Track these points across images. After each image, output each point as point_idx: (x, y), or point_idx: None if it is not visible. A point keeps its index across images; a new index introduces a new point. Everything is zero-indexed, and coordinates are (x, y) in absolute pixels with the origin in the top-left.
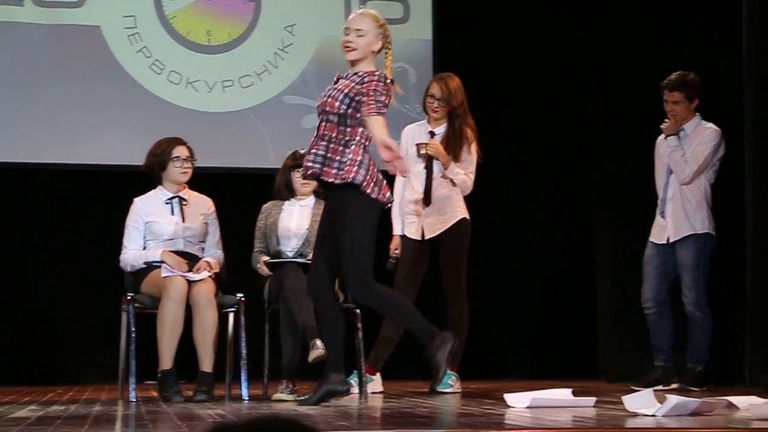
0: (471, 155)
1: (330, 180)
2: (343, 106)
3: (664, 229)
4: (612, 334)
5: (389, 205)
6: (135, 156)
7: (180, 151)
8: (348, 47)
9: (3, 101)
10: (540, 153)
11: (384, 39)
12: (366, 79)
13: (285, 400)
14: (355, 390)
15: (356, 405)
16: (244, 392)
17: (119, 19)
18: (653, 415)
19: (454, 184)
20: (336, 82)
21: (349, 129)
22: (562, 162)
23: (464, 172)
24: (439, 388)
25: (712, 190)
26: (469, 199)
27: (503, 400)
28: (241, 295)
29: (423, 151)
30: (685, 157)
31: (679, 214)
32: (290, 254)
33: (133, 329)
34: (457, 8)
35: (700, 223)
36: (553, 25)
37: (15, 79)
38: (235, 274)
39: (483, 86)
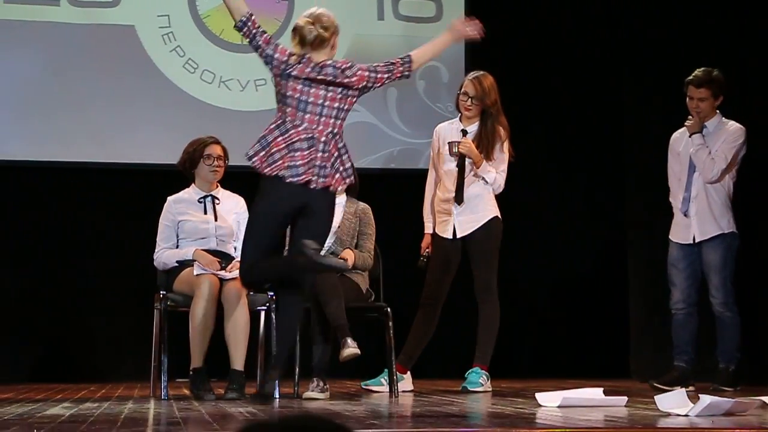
0: (503, 154)
1: None
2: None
3: (689, 229)
4: (643, 334)
5: (287, 179)
6: (168, 154)
7: (212, 150)
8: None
9: (38, 100)
10: (573, 152)
11: (334, 37)
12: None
13: (316, 399)
14: (386, 388)
15: (387, 404)
16: (275, 390)
17: (153, 19)
18: (686, 415)
19: (486, 182)
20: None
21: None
22: (595, 162)
23: (496, 171)
24: (471, 387)
25: (734, 188)
26: (501, 199)
27: (534, 399)
28: (273, 293)
29: (455, 150)
30: (711, 156)
31: (705, 213)
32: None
33: (165, 327)
34: (490, 7)
35: (726, 222)
36: (586, 24)
37: (50, 78)
38: None
39: (515, 85)
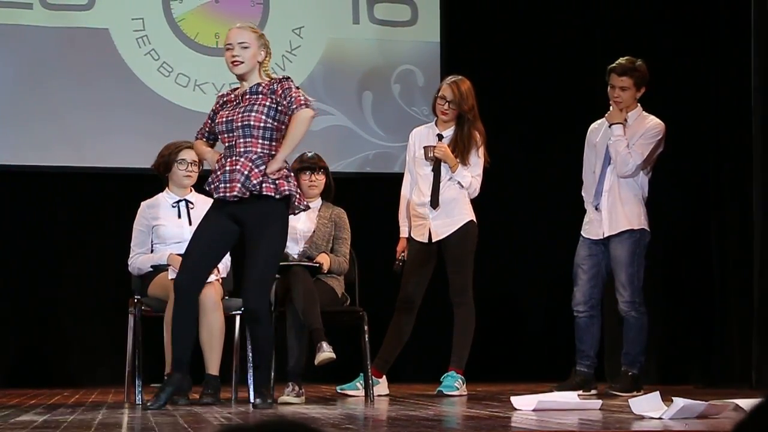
0: (479, 159)
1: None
2: (270, 121)
3: (599, 224)
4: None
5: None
6: (142, 159)
7: (187, 155)
8: (235, 62)
9: (11, 103)
10: (548, 155)
11: (266, 49)
12: (279, 87)
13: (292, 403)
14: (362, 393)
15: (362, 408)
16: (251, 395)
17: (127, 22)
18: (660, 418)
19: (461, 186)
20: (233, 101)
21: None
22: (570, 163)
23: (471, 175)
24: (446, 391)
25: (650, 186)
26: (476, 201)
27: (510, 403)
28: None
29: (431, 154)
30: (629, 150)
31: (616, 207)
32: (297, 257)
33: (139, 332)
34: (465, 10)
35: (636, 218)
36: (561, 28)
37: (23, 81)
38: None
39: (490, 88)
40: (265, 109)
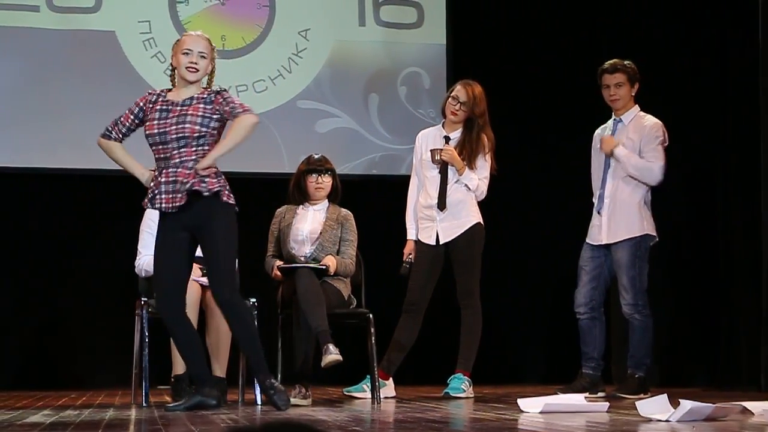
0: (486, 162)
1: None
2: (204, 129)
3: (599, 229)
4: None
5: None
6: (149, 161)
7: None
8: (192, 68)
9: (18, 105)
10: (554, 158)
11: (213, 61)
12: (219, 97)
13: (299, 405)
14: (368, 395)
15: (369, 410)
16: (258, 397)
17: (134, 24)
18: (667, 421)
19: (468, 189)
20: (163, 102)
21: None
22: (576, 166)
23: (478, 178)
24: (453, 393)
25: (655, 188)
26: (484, 203)
27: (516, 405)
28: (254, 299)
29: (437, 157)
30: (644, 158)
31: (615, 215)
32: (303, 259)
33: (146, 334)
34: (471, 13)
35: (635, 225)
36: (567, 30)
37: (30, 83)
38: (248, 279)
39: (496, 91)
40: (198, 118)
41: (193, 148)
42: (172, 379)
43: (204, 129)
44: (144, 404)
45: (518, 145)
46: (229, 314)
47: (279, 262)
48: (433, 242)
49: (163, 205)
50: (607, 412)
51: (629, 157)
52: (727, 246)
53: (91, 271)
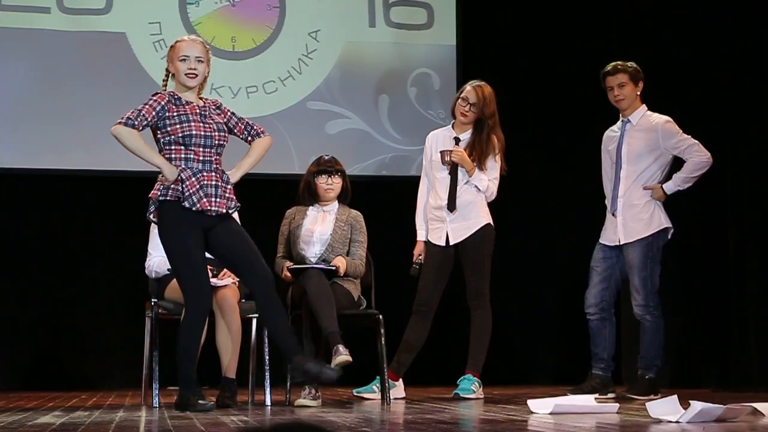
0: (496, 163)
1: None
2: (225, 138)
3: (614, 230)
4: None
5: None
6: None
7: None
8: (192, 74)
9: (29, 107)
10: (564, 158)
11: (209, 64)
12: (225, 108)
13: (308, 406)
14: (378, 396)
15: (379, 411)
16: (268, 398)
17: (144, 26)
18: (677, 422)
19: (478, 190)
20: (180, 106)
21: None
22: (587, 167)
23: (488, 179)
24: (463, 394)
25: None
26: (494, 204)
27: (526, 406)
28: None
29: (447, 158)
30: (686, 157)
31: (628, 214)
32: (313, 260)
33: (156, 335)
34: (482, 14)
35: (649, 224)
36: (577, 31)
37: (41, 85)
38: None
39: (506, 91)
40: (223, 126)
41: (221, 156)
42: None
43: (224, 139)
44: (154, 405)
45: (528, 146)
46: (272, 293)
47: (289, 263)
48: (443, 243)
49: (208, 207)
50: (617, 413)
51: (683, 180)
52: (738, 247)
53: (101, 272)
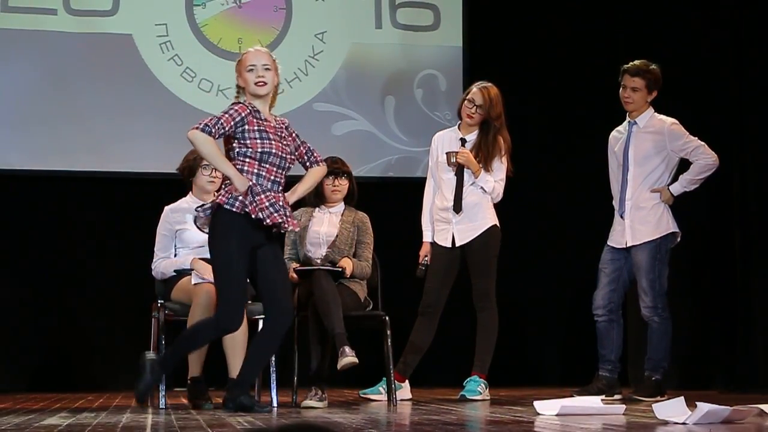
0: (502, 164)
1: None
2: (293, 162)
3: (622, 233)
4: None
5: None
6: (167, 163)
7: None
8: (261, 83)
9: (36, 108)
10: (571, 160)
11: (278, 73)
12: (291, 129)
13: (314, 407)
14: (384, 397)
15: (385, 412)
16: (274, 399)
17: (151, 27)
18: (684, 423)
19: (484, 191)
20: (260, 121)
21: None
22: (594, 168)
23: (494, 180)
24: (469, 396)
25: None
26: (499, 205)
27: (533, 408)
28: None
29: (453, 160)
30: (694, 160)
31: (636, 217)
32: (320, 261)
33: (162, 336)
34: (488, 15)
35: (657, 226)
36: (583, 32)
37: (47, 86)
38: None
39: (513, 93)
40: (293, 152)
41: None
42: (189, 381)
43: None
44: (161, 407)
45: (534, 147)
46: (285, 328)
47: (295, 265)
48: (449, 244)
49: (279, 221)
50: (623, 414)
51: (689, 182)
52: (744, 248)
53: (108, 274)
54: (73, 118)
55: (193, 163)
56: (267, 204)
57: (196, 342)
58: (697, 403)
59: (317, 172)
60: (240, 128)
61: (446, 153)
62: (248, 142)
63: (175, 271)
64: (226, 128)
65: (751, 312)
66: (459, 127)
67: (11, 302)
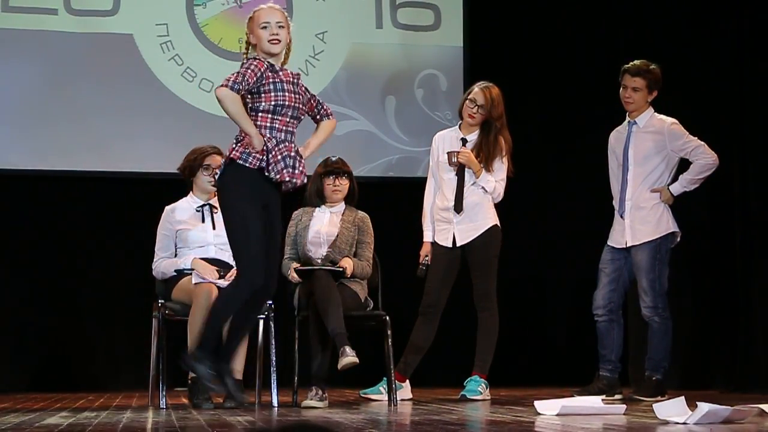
0: (503, 164)
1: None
2: (305, 112)
3: (622, 233)
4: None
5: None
6: (167, 163)
7: (212, 160)
8: (274, 40)
9: (36, 108)
10: (572, 159)
11: (290, 32)
12: (301, 82)
13: (315, 407)
14: (385, 397)
15: (386, 412)
16: (274, 399)
17: (152, 27)
18: (684, 423)
19: (485, 191)
20: (275, 74)
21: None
22: (594, 168)
23: (495, 180)
24: (470, 396)
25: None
26: (500, 205)
27: (533, 408)
28: (271, 302)
29: (454, 159)
30: (693, 159)
31: (636, 217)
32: (320, 261)
33: (163, 336)
34: (489, 15)
35: (657, 226)
36: (584, 32)
37: (48, 86)
38: None
39: (513, 93)
40: (305, 102)
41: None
42: (189, 381)
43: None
44: (161, 406)
45: (535, 147)
46: (261, 304)
47: (296, 265)
48: (449, 244)
49: (287, 179)
50: (624, 414)
51: (689, 182)
52: (745, 248)
53: (108, 273)
54: (74, 118)
55: (193, 163)
56: (279, 158)
57: (227, 311)
58: (697, 403)
59: (329, 125)
60: (259, 83)
61: (447, 153)
62: (263, 96)
63: (175, 270)
64: (251, 83)
65: (752, 312)
66: (460, 127)
67: (12, 302)
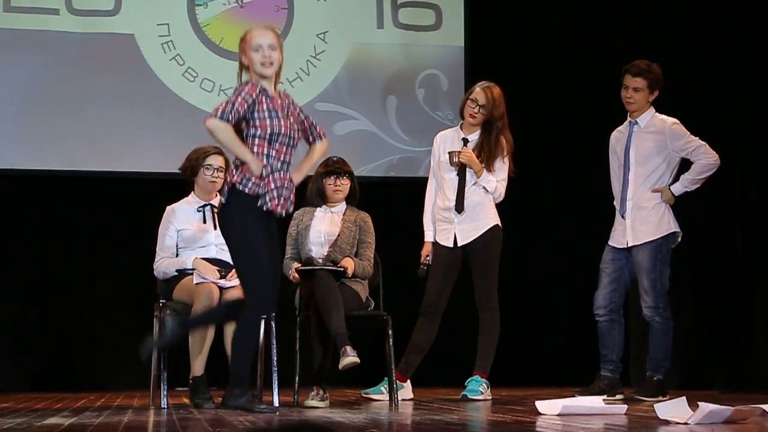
0: (504, 164)
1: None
2: (300, 138)
3: (623, 233)
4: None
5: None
6: (168, 163)
7: (213, 160)
8: (267, 63)
9: (38, 108)
10: (573, 160)
11: (282, 50)
12: (295, 103)
13: (316, 407)
14: (386, 397)
15: (387, 412)
16: (275, 399)
17: (153, 27)
18: (686, 423)
19: (486, 191)
20: (269, 100)
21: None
22: (595, 169)
23: (496, 180)
24: (471, 396)
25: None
26: (501, 205)
27: (534, 408)
28: None
29: (456, 159)
30: (694, 158)
31: (637, 217)
32: (321, 261)
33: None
34: (489, 15)
35: (658, 226)
36: (585, 33)
37: (49, 86)
38: None
39: (514, 93)
40: (300, 127)
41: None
42: (191, 381)
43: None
44: (163, 406)
45: (536, 147)
46: (258, 322)
47: (297, 265)
48: (450, 244)
49: (278, 210)
50: (625, 414)
51: (690, 182)
52: (746, 248)
53: (109, 273)
54: (75, 118)
55: (195, 163)
56: (272, 187)
57: (252, 339)
58: (698, 403)
59: (320, 148)
60: (252, 110)
61: (449, 153)
62: (258, 123)
63: (177, 270)
64: (241, 112)
65: (753, 312)
66: (461, 127)
67: (13, 302)
